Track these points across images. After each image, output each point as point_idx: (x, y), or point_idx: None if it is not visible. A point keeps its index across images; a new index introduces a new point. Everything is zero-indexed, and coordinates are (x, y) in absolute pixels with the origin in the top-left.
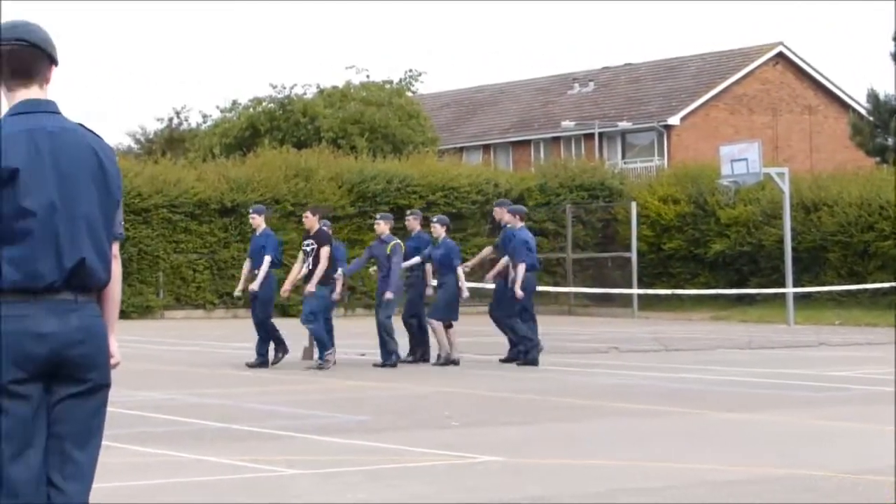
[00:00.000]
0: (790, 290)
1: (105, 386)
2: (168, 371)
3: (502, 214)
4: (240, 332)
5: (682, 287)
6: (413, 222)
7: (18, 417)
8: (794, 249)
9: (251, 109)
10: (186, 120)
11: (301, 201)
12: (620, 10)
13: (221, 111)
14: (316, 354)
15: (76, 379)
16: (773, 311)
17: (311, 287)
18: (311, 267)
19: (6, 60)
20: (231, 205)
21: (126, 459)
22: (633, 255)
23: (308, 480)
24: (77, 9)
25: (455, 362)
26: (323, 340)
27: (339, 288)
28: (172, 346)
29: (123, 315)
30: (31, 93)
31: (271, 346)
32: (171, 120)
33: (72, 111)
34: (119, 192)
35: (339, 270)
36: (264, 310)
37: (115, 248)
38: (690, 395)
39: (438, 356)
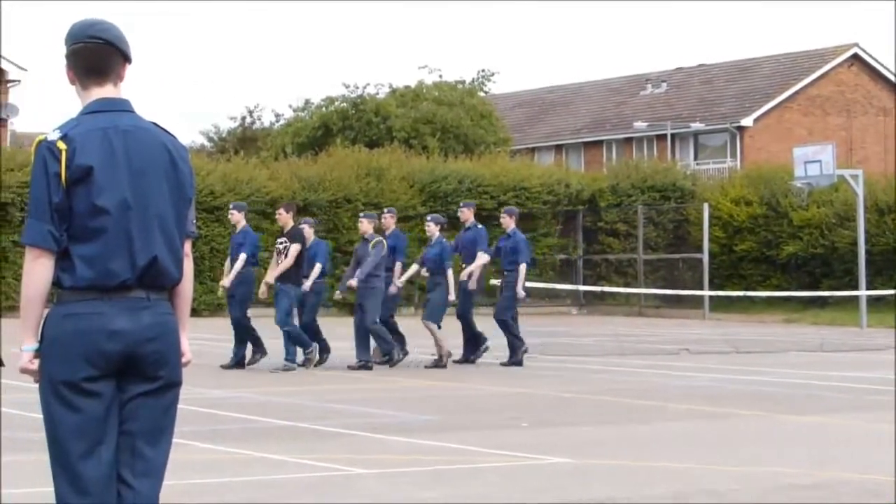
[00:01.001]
0: (863, 292)
1: (176, 383)
2: (238, 369)
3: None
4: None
5: (754, 289)
6: (389, 220)
7: (91, 414)
8: (867, 252)
9: (324, 109)
10: (259, 119)
11: (373, 201)
12: (694, 11)
13: (294, 110)
14: (297, 355)
15: (148, 376)
16: (845, 313)
17: (269, 278)
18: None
19: (81, 58)
20: (303, 203)
21: (195, 457)
22: (705, 257)
23: (373, 480)
24: (153, 10)
25: (443, 365)
26: (302, 339)
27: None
28: None
29: (195, 313)
30: (106, 91)
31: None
32: (244, 119)
33: (145, 110)
34: (191, 191)
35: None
36: (240, 308)
37: (188, 246)
38: (761, 397)
39: (440, 357)
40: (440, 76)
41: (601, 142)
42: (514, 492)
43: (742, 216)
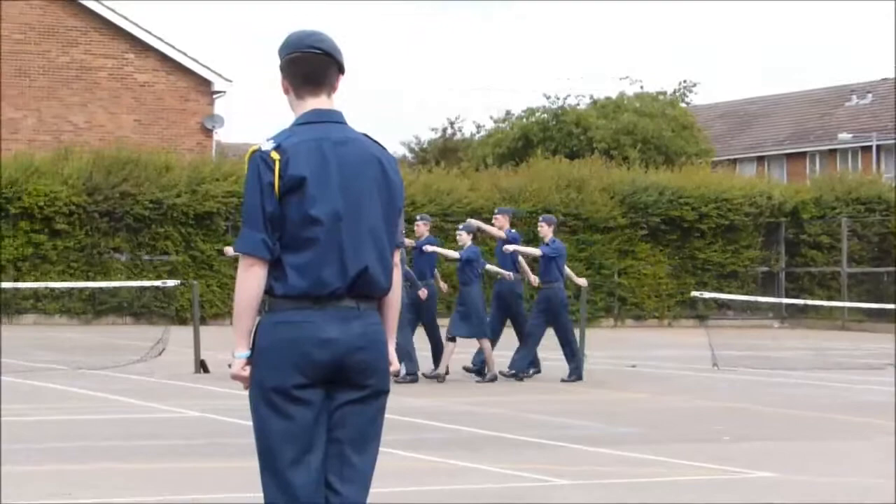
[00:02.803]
0: None
1: (384, 392)
2: (452, 378)
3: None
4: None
5: None
6: (422, 227)
7: (301, 422)
8: None
9: (524, 120)
10: (460, 130)
11: (573, 212)
12: None
13: (495, 121)
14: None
15: (356, 385)
16: None
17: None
18: None
19: (297, 68)
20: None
21: (400, 465)
22: None
23: (576, 491)
24: (359, 19)
25: (441, 379)
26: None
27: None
28: None
29: None
30: (320, 102)
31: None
32: (444, 130)
33: (353, 120)
34: (401, 201)
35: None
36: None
37: (397, 256)
38: None
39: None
40: (641, 87)
41: (804, 153)
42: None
43: None
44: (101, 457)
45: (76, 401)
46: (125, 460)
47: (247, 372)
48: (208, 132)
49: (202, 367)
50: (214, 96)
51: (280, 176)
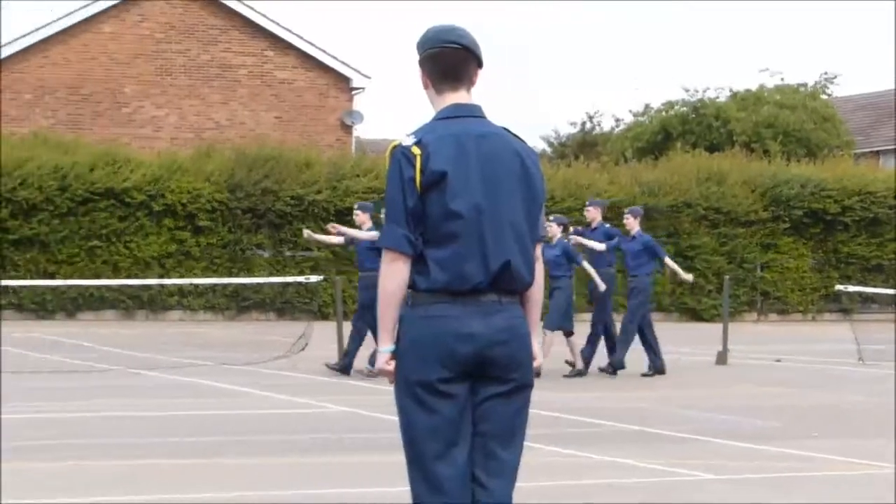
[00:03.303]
0: None
1: (528, 386)
2: (593, 374)
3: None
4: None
5: None
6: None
7: (446, 416)
8: None
9: (663, 113)
10: (599, 124)
11: (713, 205)
12: None
13: (634, 115)
14: None
15: (500, 378)
16: None
17: None
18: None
19: (438, 63)
20: (643, 209)
21: (542, 460)
22: None
23: (724, 485)
24: (499, 13)
25: (581, 373)
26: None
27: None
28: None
29: None
30: (459, 97)
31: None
32: (583, 124)
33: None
34: (542, 195)
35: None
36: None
37: (538, 250)
38: None
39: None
40: (782, 79)
41: None
42: (867, 500)
43: None
44: (258, 452)
45: (225, 397)
46: (279, 455)
47: (391, 366)
48: (347, 128)
49: (343, 369)
50: (353, 92)
51: (421, 171)
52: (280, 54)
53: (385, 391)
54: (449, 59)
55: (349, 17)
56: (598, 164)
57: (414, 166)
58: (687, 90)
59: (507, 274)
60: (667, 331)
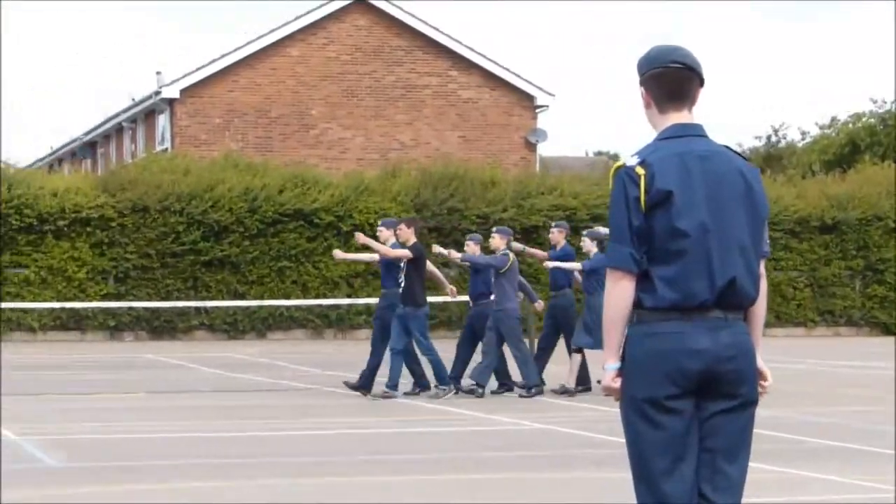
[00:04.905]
0: None
1: (753, 402)
2: (789, 389)
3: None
4: (847, 351)
5: None
6: (557, 235)
7: (673, 432)
8: None
9: (851, 125)
10: (784, 137)
11: None
12: None
13: (820, 128)
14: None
15: (727, 394)
16: None
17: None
18: (402, 283)
19: (663, 83)
20: (832, 222)
21: (750, 476)
22: None
23: None
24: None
25: (569, 392)
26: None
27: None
28: (793, 364)
29: None
30: (682, 116)
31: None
32: (769, 137)
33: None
34: (766, 211)
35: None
36: None
37: (762, 266)
38: None
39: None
40: None
41: None
42: None
43: None
44: (455, 468)
45: (423, 413)
46: (476, 471)
47: (617, 383)
48: (531, 146)
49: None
50: (537, 111)
51: (646, 190)
52: (464, 74)
53: (579, 408)
54: (673, 79)
55: (532, 35)
56: (784, 178)
57: (638, 186)
58: (874, 101)
59: (732, 290)
60: (857, 346)
